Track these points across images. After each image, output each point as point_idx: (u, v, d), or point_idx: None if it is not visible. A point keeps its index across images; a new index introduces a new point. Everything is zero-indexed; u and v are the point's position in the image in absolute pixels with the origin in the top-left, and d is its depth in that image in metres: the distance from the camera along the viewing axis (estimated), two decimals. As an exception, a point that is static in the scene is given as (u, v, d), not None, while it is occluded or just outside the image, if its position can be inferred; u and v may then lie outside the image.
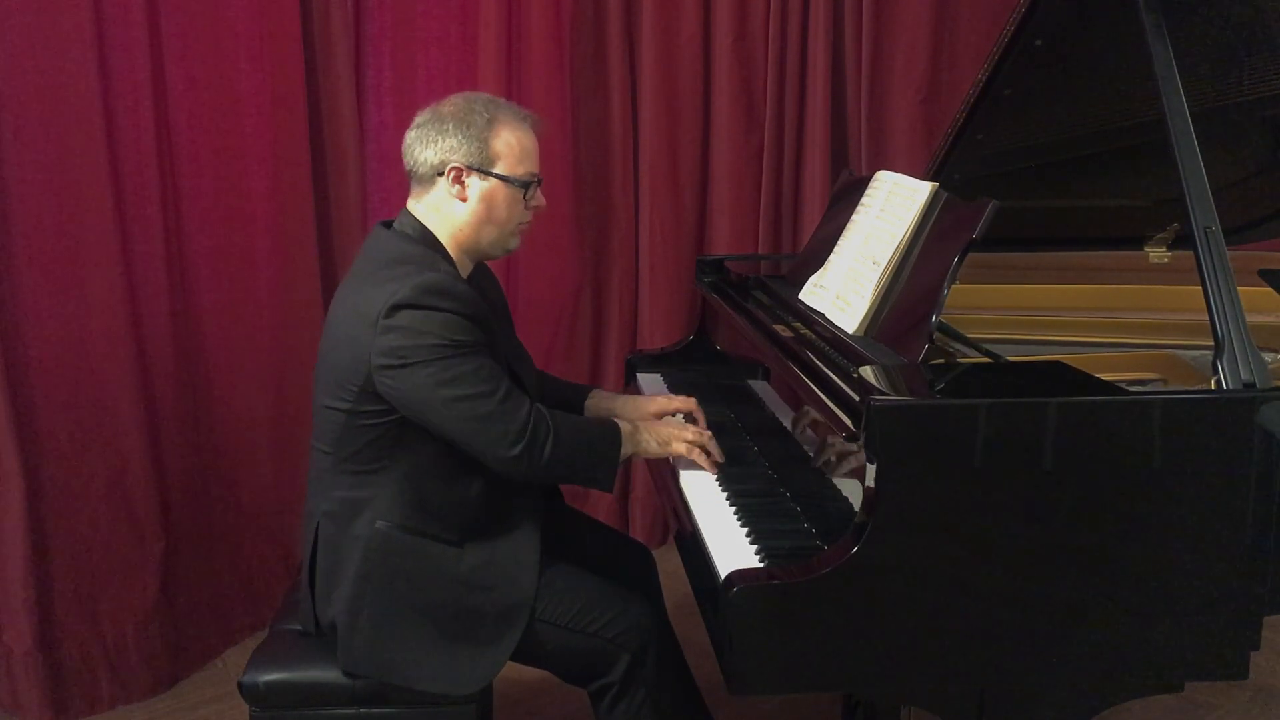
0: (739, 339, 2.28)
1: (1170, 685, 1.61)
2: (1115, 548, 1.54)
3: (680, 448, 1.97)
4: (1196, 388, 1.79)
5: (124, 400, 2.57)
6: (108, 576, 2.61)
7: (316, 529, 1.85)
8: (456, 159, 1.81)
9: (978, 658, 1.54)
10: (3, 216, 2.40)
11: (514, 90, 3.10)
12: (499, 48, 3.05)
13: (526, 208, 1.88)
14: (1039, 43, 2.07)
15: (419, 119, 1.86)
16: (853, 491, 1.60)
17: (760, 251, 3.42)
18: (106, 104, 2.48)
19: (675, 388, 2.53)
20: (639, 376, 2.64)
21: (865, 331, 1.89)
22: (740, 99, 3.36)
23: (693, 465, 2.00)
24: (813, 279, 2.11)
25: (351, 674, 1.81)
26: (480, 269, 1.99)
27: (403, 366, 1.70)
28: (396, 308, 1.70)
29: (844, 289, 1.98)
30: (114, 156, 2.51)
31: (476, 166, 1.82)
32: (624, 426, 1.92)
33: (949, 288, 1.72)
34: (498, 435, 1.74)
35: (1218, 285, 1.67)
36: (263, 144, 2.78)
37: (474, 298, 1.77)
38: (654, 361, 2.70)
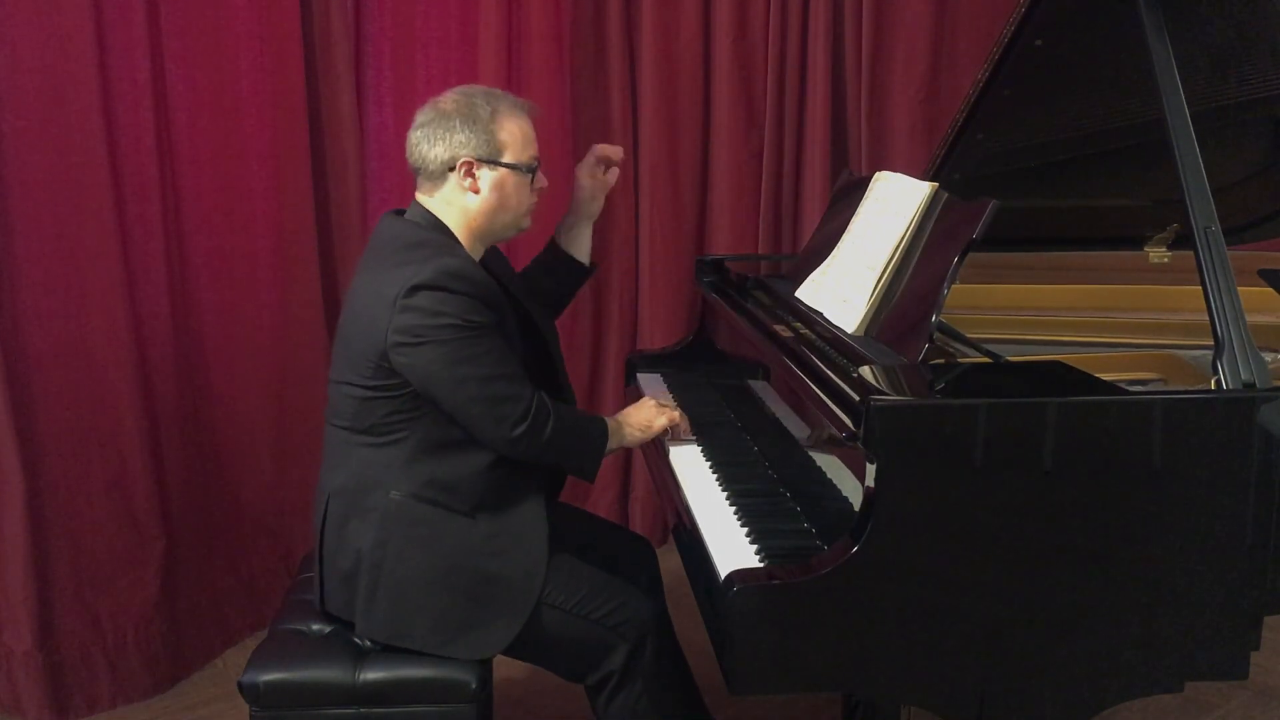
0: (739, 339, 2.28)
1: (1170, 685, 1.61)
2: (1115, 548, 1.54)
3: (662, 423, 2.06)
4: (1196, 388, 1.78)
5: (124, 400, 2.57)
6: (108, 576, 2.60)
7: (326, 507, 1.90)
8: (466, 153, 1.87)
9: (977, 657, 1.54)
10: (3, 216, 2.40)
11: (514, 90, 3.08)
12: (499, 48, 3.05)
13: (532, 190, 1.95)
14: (1039, 43, 2.07)
15: (421, 118, 1.91)
16: (853, 491, 1.60)
17: (760, 251, 3.42)
18: (106, 104, 2.48)
19: (675, 388, 2.53)
20: (639, 376, 2.64)
21: (865, 331, 1.89)
22: (740, 99, 3.35)
23: (688, 461, 2.02)
24: (812, 278, 2.11)
25: (371, 641, 1.86)
26: (491, 251, 2.03)
27: (418, 344, 1.76)
28: (416, 288, 1.76)
29: (844, 289, 1.98)
30: (114, 156, 2.51)
31: (486, 158, 1.88)
32: (609, 422, 1.99)
33: (949, 288, 1.72)
34: (501, 416, 1.80)
35: (1218, 285, 1.67)
36: (263, 144, 2.78)
37: (489, 283, 1.83)
38: (654, 361, 2.70)
